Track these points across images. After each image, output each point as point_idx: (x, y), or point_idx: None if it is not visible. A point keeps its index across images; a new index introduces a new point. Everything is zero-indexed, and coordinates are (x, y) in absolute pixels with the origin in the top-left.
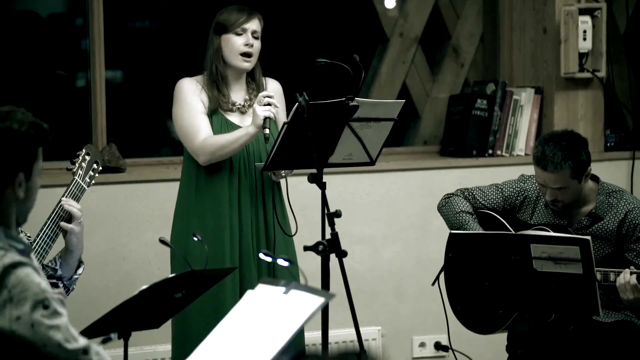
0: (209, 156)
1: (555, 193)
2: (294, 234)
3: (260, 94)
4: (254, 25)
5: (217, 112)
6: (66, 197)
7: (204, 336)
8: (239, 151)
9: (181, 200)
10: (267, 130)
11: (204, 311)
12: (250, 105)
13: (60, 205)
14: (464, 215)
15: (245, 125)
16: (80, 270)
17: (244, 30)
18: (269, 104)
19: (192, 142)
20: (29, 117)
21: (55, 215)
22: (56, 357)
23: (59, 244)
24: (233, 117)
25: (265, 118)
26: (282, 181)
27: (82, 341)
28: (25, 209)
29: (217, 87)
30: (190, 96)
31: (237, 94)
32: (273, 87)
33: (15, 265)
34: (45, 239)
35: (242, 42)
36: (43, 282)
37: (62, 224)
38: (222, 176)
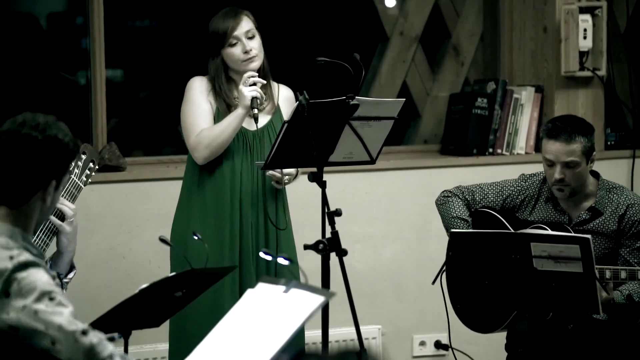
0: (206, 151)
1: (564, 171)
2: (285, 229)
3: (245, 75)
4: (244, 26)
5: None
6: (62, 196)
7: (200, 335)
8: (241, 152)
9: (182, 199)
10: (255, 111)
11: (202, 310)
12: (260, 104)
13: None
14: (458, 221)
15: (257, 126)
16: (71, 275)
17: (237, 38)
18: (254, 84)
19: (190, 139)
20: (68, 131)
21: (43, 227)
22: (58, 342)
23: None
24: (244, 122)
25: (253, 98)
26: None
27: (83, 325)
28: (45, 217)
29: (224, 100)
30: (198, 95)
31: None
32: (284, 94)
33: (28, 264)
34: (39, 242)
35: (240, 51)
36: (52, 281)
37: (52, 218)
38: (224, 176)
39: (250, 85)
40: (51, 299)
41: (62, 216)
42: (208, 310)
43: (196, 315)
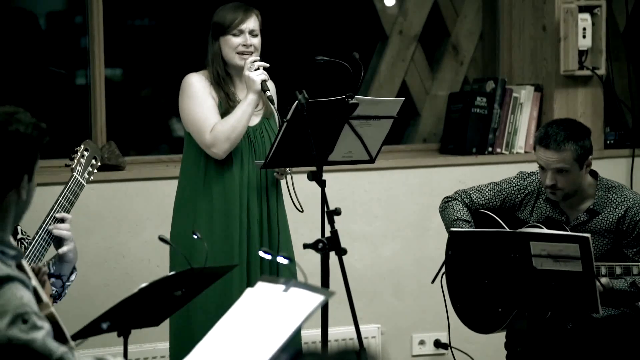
0: (226, 144)
1: (555, 177)
2: (302, 211)
3: (248, 61)
4: (251, 24)
5: (226, 112)
6: (59, 205)
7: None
8: (247, 147)
9: (184, 198)
10: (268, 93)
11: (209, 309)
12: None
13: (52, 219)
14: (460, 223)
15: (256, 120)
16: (73, 277)
17: (241, 32)
18: (258, 68)
19: (204, 136)
20: (31, 118)
21: (46, 226)
22: None
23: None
24: None
25: (262, 81)
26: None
27: (59, 351)
28: (24, 209)
29: (222, 89)
30: (201, 91)
31: (243, 91)
32: (271, 86)
33: (2, 281)
34: (41, 242)
35: (239, 42)
36: (26, 296)
37: (60, 250)
38: (233, 173)
39: (255, 70)
40: (25, 321)
41: (61, 240)
42: (216, 309)
43: (203, 316)
